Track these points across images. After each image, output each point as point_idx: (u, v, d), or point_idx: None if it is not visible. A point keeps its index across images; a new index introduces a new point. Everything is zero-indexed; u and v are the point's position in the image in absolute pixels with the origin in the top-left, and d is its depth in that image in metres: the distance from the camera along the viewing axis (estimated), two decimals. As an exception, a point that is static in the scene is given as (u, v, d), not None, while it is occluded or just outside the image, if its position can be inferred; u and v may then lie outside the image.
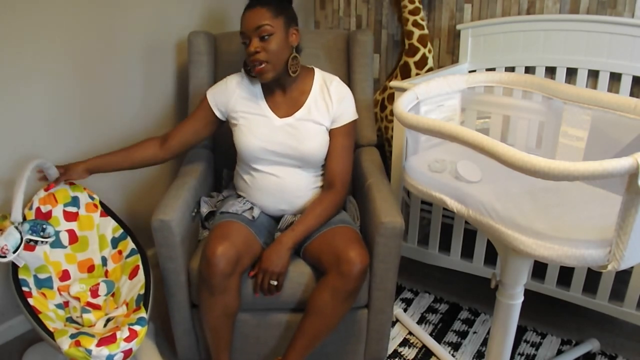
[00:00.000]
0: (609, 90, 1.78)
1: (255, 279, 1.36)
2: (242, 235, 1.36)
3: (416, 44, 2.01)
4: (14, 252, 1.28)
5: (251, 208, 1.48)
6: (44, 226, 1.39)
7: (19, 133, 1.60)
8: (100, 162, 1.50)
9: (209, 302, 1.33)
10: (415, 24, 2.00)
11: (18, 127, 1.59)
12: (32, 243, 1.38)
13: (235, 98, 1.50)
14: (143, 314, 1.28)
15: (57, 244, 1.48)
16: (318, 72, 1.53)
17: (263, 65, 1.37)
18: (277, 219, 1.54)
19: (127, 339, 1.20)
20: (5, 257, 1.27)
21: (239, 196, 1.56)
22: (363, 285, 1.40)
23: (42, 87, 1.62)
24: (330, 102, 1.48)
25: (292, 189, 1.47)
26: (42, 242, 1.38)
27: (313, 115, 1.46)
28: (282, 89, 1.48)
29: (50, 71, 1.62)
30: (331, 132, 1.49)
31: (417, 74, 2.04)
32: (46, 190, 1.49)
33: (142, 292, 1.37)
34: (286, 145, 1.44)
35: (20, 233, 1.32)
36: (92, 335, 1.20)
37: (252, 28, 1.35)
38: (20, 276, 1.36)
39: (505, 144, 0.99)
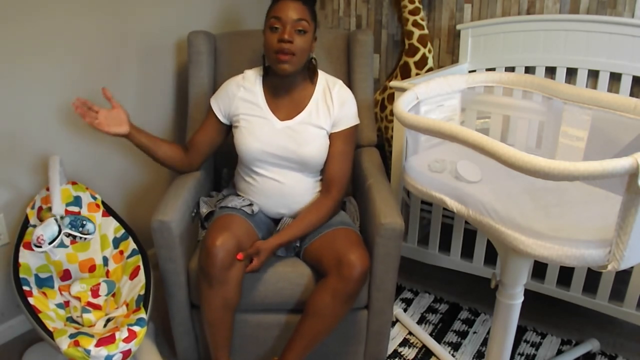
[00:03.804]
0: (609, 90, 1.78)
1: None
2: (242, 228, 1.36)
3: (416, 44, 2.01)
4: (50, 243, 1.30)
5: (250, 204, 1.49)
6: (84, 222, 1.41)
7: (31, 132, 1.62)
8: (139, 131, 1.47)
9: (208, 294, 1.32)
10: (415, 24, 2.00)
11: (30, 126, 1.61)
12: (70, 238, 1.39)
13: (236, 100, 1.50)
14: (143, 314, 1.28)
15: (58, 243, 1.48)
16: (322, 75, 1.53)
17: (289, 57, 1.37)
18: (275, 220, 1.54)
19: (126, 340, 1.20)
20: (40, 247, 1.29)
21: (239, 195, 1.56)
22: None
23: (50, 86, 1.63)
24: (332, 105, 1.48)
25: (292, 194, 1.47)
26: (80, 237, 1.40)
27: (314, 119, 1.46)
28: (287, 91, 1.48)
29: (57, 71, 1.63)
30: (331, 136, 1.49)
31: (417, 74, 2.04)
32: (48, 189, 1.49)
33: (143, 292, 1.37)
34: (286, 149, 1.44)
35: (59, 226, 1.33)
36: (91, 336, 1.20)
37: (294, 18, 1.36)
38: (21, 275, 1.37)
39: (505, 144, 0.99)
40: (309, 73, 1.49)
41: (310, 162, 1.46)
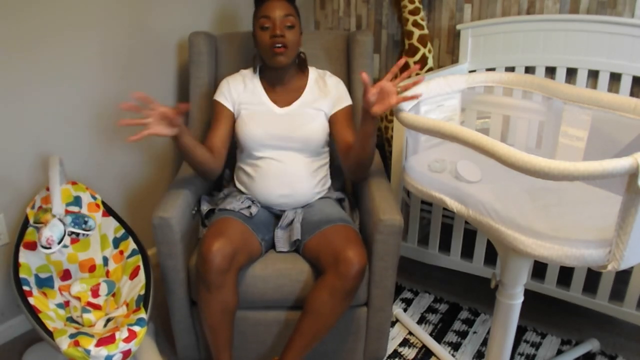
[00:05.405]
0: (609, 90, 1.78)
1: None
2: (239, 232, 1.37)
3: (416, 44, 2.01)
4: (58, 243, 1.31)
5: (249, 206, 1.49)
6: (86, 219, 1.44)
7: (31, 132, 1.61)
8: (187, 131, 1.37)
9: (207, 298, 1.33)
10: (415, 24, 2.00)
11: (30, 126, 1.61)
12: (74, 235, 1.41)
13: (240, 90, 1.58)
14: (143, 314, 1.29)
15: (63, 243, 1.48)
16: (312, 68, 1.65)
17: (284, 49, 1.46)
18: (277, 215, 1.56)
19: (126, 340, 1.20)
20: (50, 248, 1.30)
21: (240, 193, 1.58)
22: (362, 284, 1.40)
23: (50, 86, 1.63)
24: (326, 89, 1.59)
25: (292, 172, 1.51)
26: (83, 234, 1.42)
27: (311, 102, 1.56)
28: (283, 83, 1.58)
29: (57, 70, 1.63)
30: (334, 117, 1.56)
31: (417, 74, 2.04)
32: (48, 189, 1.49)
33: (143, 292, 1.38)
34: (287, 130, 1.51)
35: (64, 225, 1.34)
36: (91, 336, 1.20)
37: (282, 15, 1.46)
38: (21, 275, 1.37)
39: (505, 144, 0.99)
40: (300, 65, 1.60)
41: (311, 140, 1.52)
